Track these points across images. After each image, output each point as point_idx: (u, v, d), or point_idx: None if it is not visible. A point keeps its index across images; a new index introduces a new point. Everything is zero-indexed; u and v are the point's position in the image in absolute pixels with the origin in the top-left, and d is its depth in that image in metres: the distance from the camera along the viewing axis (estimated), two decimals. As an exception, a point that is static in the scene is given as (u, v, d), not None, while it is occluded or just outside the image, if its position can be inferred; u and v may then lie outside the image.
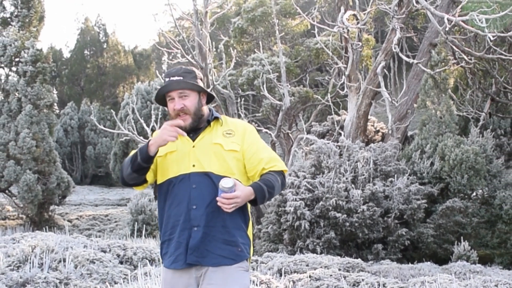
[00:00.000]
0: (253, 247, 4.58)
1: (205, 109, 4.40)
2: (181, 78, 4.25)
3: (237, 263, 4.20)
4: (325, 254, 15.16)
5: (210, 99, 4.49)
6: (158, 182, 4.42)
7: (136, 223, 20.92)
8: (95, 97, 59.49)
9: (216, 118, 4.38)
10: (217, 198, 3.99)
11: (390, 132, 22.67)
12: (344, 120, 24.83)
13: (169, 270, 4.33)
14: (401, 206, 17.31)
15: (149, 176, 4.39)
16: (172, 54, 27.42)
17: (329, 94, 28.97)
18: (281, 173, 4.33)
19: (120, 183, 4.72)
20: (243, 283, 4.21)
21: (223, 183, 3.96)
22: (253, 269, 10.76)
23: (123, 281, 8.40)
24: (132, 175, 4.31)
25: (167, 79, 4.29)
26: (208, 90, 4.57)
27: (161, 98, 4.40)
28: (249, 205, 4.39)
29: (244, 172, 4.37)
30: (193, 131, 4.31)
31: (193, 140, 4.29)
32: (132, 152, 4.36)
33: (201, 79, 4.43)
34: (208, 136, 4.31)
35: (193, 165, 4.23)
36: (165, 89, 4.29)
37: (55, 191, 24.31)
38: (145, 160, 4.16)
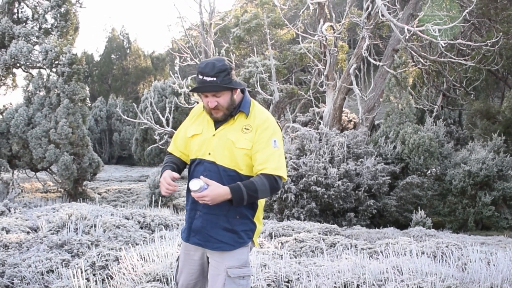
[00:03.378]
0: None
1: (239, 97, 3.87)
2: (214, 78, 3.67)
3: (236, 248, 3.84)
4: (307, 221, 15.14)
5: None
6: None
7: (153, 195, 20.84)
8: (120, 93, 59.35)
9: (241, 112, 3.85)
10: (192, 194, 3.59)
11: (360, 121, 22.67)
12: (323, 112, 24.81)
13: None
14: (370, 181, 17.33)
15: (188, 160, 4.09)
16: (183, 58, 27.28)
17: (310, 90, 28.94)
18: (270, 176, 3.72)
19: None
20: (240, 258, 3.86)
21: (191, 186, 3.55)
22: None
23: (143, 243, 8.36)
24: None
25: (200, 77, 3.71)
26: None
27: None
28: None
29: (252, 167, 3.86)
30: None
31: (216, 129, 3.84)
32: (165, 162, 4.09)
33: (233, 73, 3.82)
34: (228, 129, 3.82)
35: (209, 153, 3.82)
36: (199, 90, 3.73)
37: (87, 170, 24.22)
38: None
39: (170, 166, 3.97)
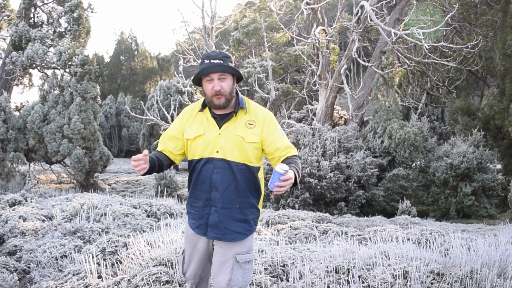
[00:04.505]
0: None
1: (234, 91, 3.84)
2: (221, 61, 3.70)
3: (247, 236, 3.88)
4: (301, 210, 15.13)
5: (238, 80, 3.91)
6: (189, 159, 3.95)
7: (159, 186, 20.84)
8: (128, 91, 59.27)
9: (242, 108, 3.84)
10: (276, 183, 3.29)
11: (350, 118, 22.65)
12: (316, 109, 24.80)
13: (191, 229, 4.00)
14: (359, 173, 17.31)
15: (176, 160, 4.00)
16: (186, 59, 27.25)
17: (304, 89, 28.94)
18: (296, 156, 3.76)
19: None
20: (247, 244, 3.89)
21: (283, 167, 3.29)
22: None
23: (150, 230, 8.36)
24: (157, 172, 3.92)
25: (207, 61, 3.72)
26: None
27: (198, 78, 3.81)
28: (263, 182, 4.00)
29: (260, 157, 3.89)
30: (220, 116, 3.83)
31: (220, 127, 3.78)
32: None
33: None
34: (233, 126, 3.79)
35: (217, 151, 3.75)
36: (207, 71, 3.70)
37: (98, 162, 24.18)
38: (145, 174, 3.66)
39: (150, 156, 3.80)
